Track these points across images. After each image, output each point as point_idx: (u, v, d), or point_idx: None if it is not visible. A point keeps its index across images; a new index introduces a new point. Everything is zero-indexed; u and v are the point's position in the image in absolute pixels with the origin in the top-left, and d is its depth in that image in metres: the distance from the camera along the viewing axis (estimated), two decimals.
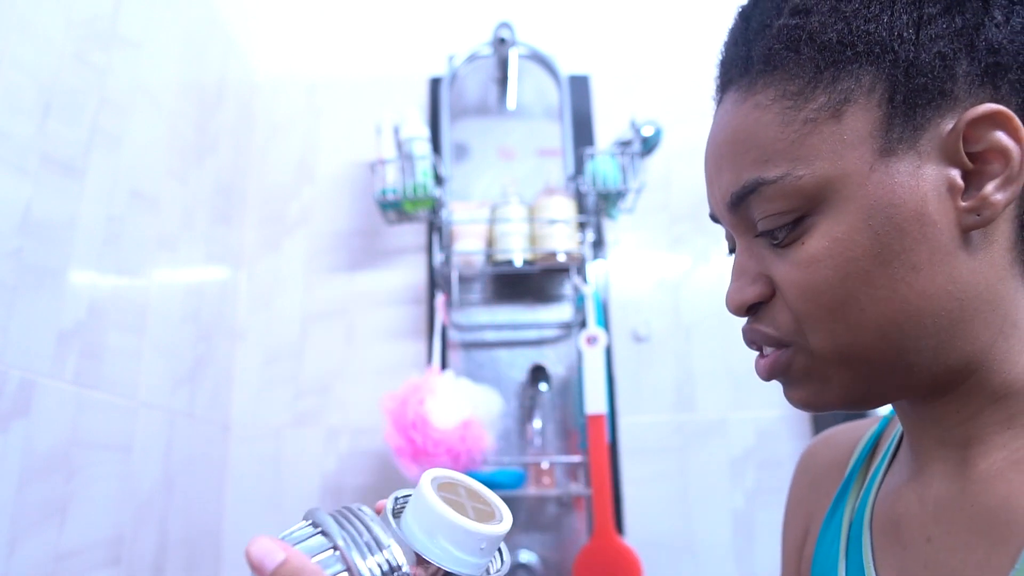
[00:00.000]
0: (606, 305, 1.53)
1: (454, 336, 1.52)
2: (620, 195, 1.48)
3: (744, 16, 0.46)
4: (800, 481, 0.61)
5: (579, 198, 1.51)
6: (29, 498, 0.86)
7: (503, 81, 1.62)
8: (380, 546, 0.36)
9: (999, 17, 0.40)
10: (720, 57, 0.48)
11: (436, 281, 1.49)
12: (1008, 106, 0.39)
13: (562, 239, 1.42)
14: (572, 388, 1.48)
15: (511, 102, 1.63)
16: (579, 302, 1.45)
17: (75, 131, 0.97)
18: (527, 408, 1.46)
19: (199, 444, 1.34)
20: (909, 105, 0.39)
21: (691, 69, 1.65)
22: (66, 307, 0.95)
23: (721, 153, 0.45)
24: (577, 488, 1.39)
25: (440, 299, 1.43)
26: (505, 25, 1.51)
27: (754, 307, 0.45)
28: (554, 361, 1.50)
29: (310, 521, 0.38)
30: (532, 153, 1.63)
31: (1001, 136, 0.39)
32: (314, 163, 1.64)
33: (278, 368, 1.53)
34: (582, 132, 1.61)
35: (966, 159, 0.39)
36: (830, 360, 0.42)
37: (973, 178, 0.40)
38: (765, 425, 1.47)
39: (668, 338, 1.53)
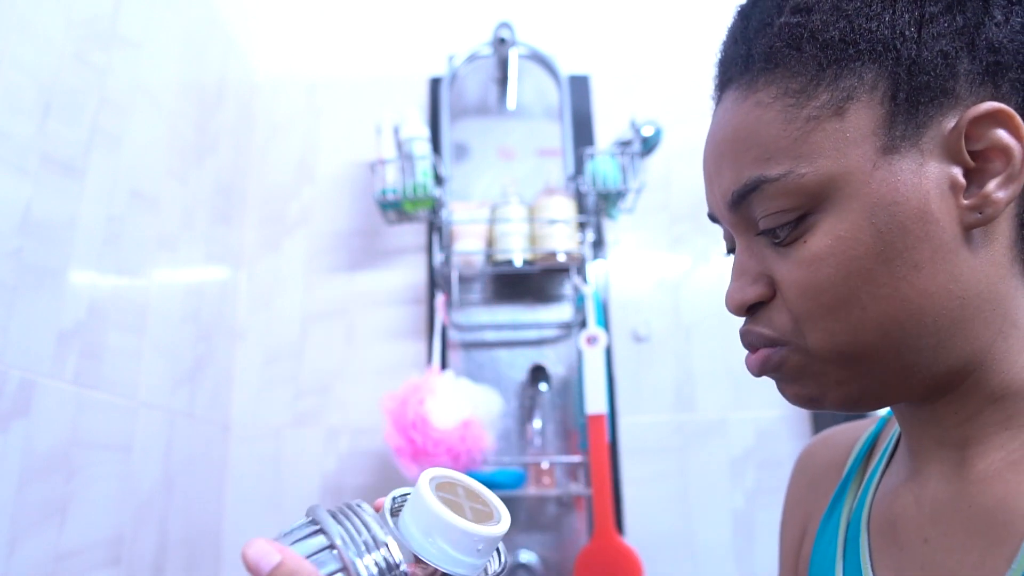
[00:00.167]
0: (606, 305, 1.53)
1: (454, 336, 1.52)
2: (620, 195, 1.48)
3: (744, 15, 0.46)
4: (798, 481, 0.61)
5: (579, 198, 1.51)
6: (29, 498, 0.86)
7: (503, 81, 1.62)
8: (378, 544, 0.36)
9: (999, 17, 0.40)
10: (719, 56, 0.48)
11: (436, 281, 1.49)
12: (1008, 105, 0.39)
13: (562, 239, 1.41)
14: (572, 388, 1.48)
15: (511, 102, 1.63)
16: (579, 302, 1.45)
17: (75, 131, 0.97)
18: (527, 408, 1.46)
19: (199, 444, 1.34)
20: (911, 103, 0.40)
21: (691, 69, 1.65)
22: (66, 307, 0.95)
23: (721, 151, 0.44)
24: (577, 488, 1.39)
25: (440, 299, 1.43)
26: (505, 25, 1.51)
27: (753, 307, 0.45)
28: (554, 361, 1.50)
29: (310, 518, 0.38)
30: (532, 153, 1.63)
31: (1002, 134, 0.39)
32: (314, 163, 1.64)
33: (278, 368, 1.53)
34: (582, 132, 1.61)
35: (968, 157, 0.39)
36: (827, 359, 0.41)
37: (974, 176, 0.40)
38: (765, 425, 1.47)
39: (668, 338, 1.53)
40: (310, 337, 1.54)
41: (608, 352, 1.46)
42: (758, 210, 0.43)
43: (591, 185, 1.45)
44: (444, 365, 1.44)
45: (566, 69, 1.61)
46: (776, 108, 0.42)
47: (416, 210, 1.48)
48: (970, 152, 0.39)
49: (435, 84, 1.66)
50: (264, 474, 1.47)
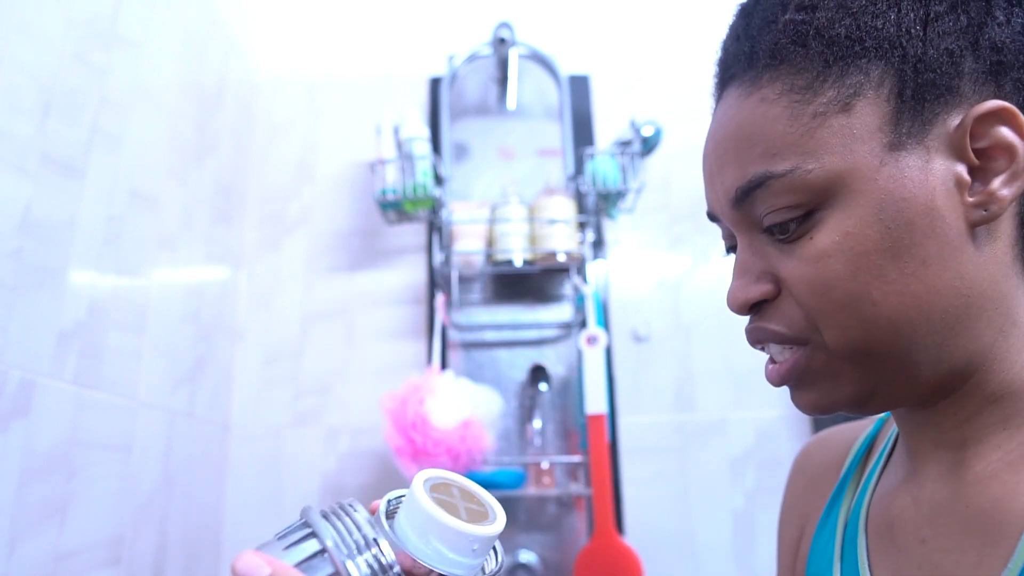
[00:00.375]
0: (606, 305, 1.53)
1: (454, 336, 1.52)
2: (620, 195, 1.48)
3: (746, 12, 0.46)
4: (796, 482, 0.61)
5: (579, 198, 1.51)
6: (29, 498, 0.86)
7: (503, 81, 1.62)
8: (369, 544, 0.36)
9: (1001, 17, 0.40)
10: (719, 54, 0.47)
11: (436, 281, 1.49)
12: (1012, 103, 0.40)
13: (562, 239, 1.42)
14: (572, 388, 1.48)
15: (511, 102, 1.63)
16: (579, 302, 1.45)
17: (75, 131, 0.97)
18: (527, 408, 1.46)
19: (199, 444, 1.34)
20: (918, 100, 0.40)
21: (691, 69, 1.65)
22: (66, 307, 0.95)
23: (725, 148, 0.44)
24: (577, 488, 1.39)
25: (440, 299, 1.43)
26: (505, 25, 1.51)
27: (756, 306, 0.45)
28: (554, 361, 1.50)
29: (303, 520, 0.38)
30: (532, 153, 1.63)
31: (1006, 132, 0.39)
32: (314, 163, 1.64)
33: (278, 368, 1.53)
34: (582, 132, 1.61)
35: (972, 155, 0.40)
36: (844, 357, 0.41)
37: (979, 174, 0.40)
38: (765, 425, 1.47)
39: (668, 338, 1.53)
40: (310, 337, 1.54)
41: (608, 352, 1.46)
42: (762, 207, 0.42)
43: (591, 185, 1.45)
44: (444, 365, 1.44)
45: (566, 69, 1.61)
46: (782, 104, 0.41)
47: (416, 210, 1.48)
48: (974, 150, 0.40)
49: (435, 84, 1.66)
50: (264, 474, 1.47)
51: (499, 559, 0.42)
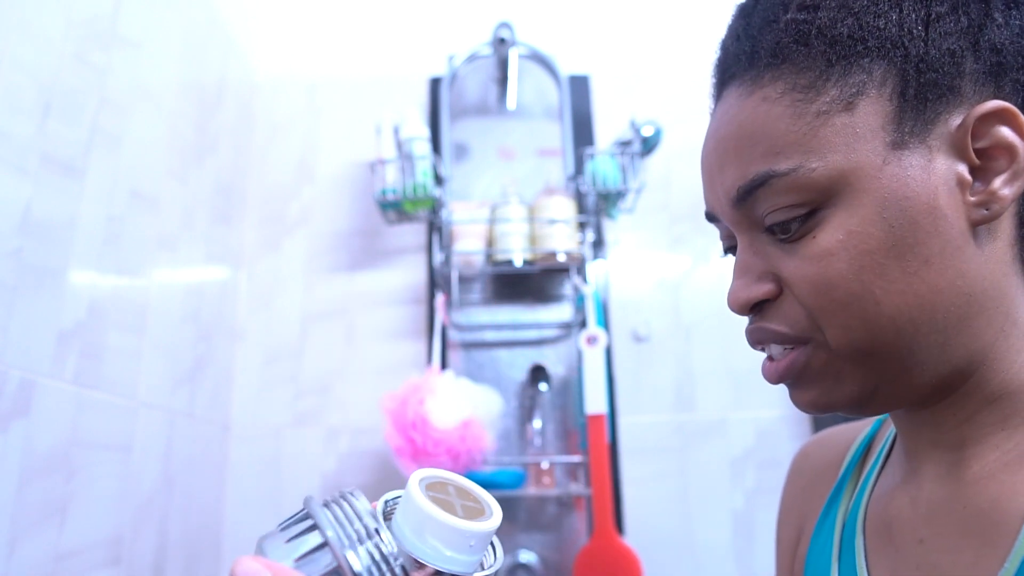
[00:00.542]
0: (606, 305, 1.53)
1: (454, 336, 1.52)
2: (620, 195, 1.48)
3: (745, 12, 0.46)
4: (794, 482, 0.61)
5: (579, 198, 1.51)
6: (29, 498, 0.86)
7: (503, 81, 1.62)
8: (370, 535, 0.36)
9: (1000, 19, 0.41)
10: (718, 54, 0.47)
11: (436, 281, 1.49)
12: (1011, 104, 0.40)
13: (562, 239, 1.42)
14: (572, 388, 1.48)
15: (511, 102, 1.63)
16: (579, 302, 1.45)
17: (75, 131, 0.97)
18: (527, 408, 1.46)
19: (199, 444, 1.34)
20: (920, 99, 0.40)
21: (691, 69, 1.65)
22: (66, 307, 0.95)
23: (726, 148, 0.44)
24: (577, 488, 1.39)
25: (440, 299, 1.43)
26: (505, 25, 1.51)
27: (757, 306, 0.45)
28: (554, 361, 1.50)
29: (305, 511, 0.38)
30: (532, 153, 1.63)
31: (1007, 132, 0.40)
32: (314, 163, 1.65)
33: (278, 368, 1.53)
34: (582, 132, 1.61)
35: (973, 155, 0.40)
36: (846, 356, 0.41)
37: (980, 173, 0.40)
38: (765, 425, 1.47)
39: (668, 338, 1.53)
40: (310, 337, 1.54)
41: (608, 352, 1.46)
42: (764, 206, 0.42)
43: (591, 185, 1.45)
44: (444, 365, 1.44)
45: (566, 69, 1.61)
46: (784, 103, 0.41)
47: (416, 210, 1.48)
48: (975, 150, 0.40)
49: (435, 84, 1.66)
50: (264, 474, 1.47)
51: (497, 555, 0.42)
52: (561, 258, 1.42)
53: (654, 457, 1.46)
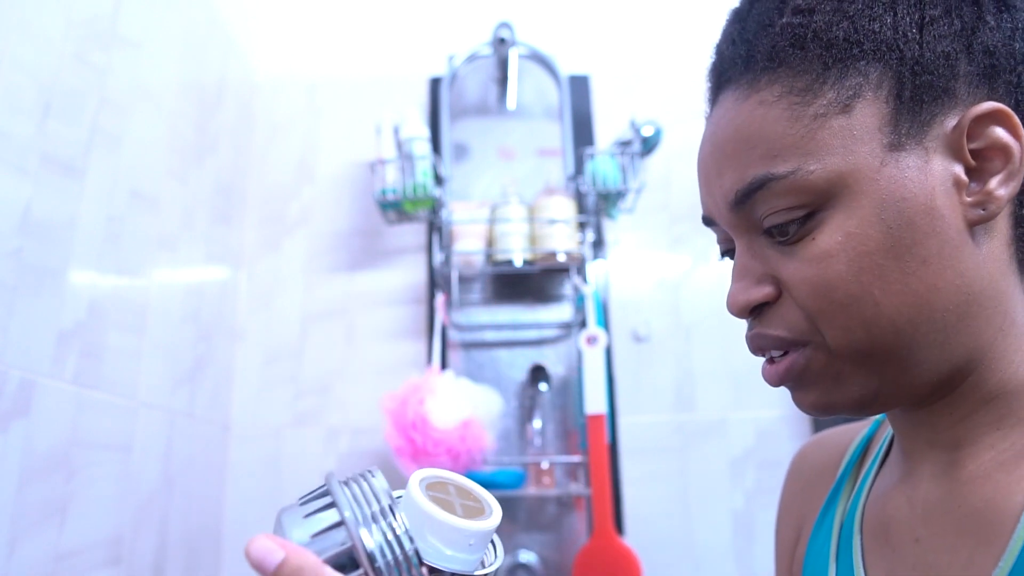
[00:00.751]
0: (606, 305, 1.53)
1: (454, 336, 1.52)
2: (620, 195, 1.48)
3: (740, 16, 0.46)
4: (792, 483, 0.61)
5: (579, 198, 1.51)
6: (29, 498, 0.86)
7: (503, 81, 1.62)
8: (385, 514, 0.37)
9: (992, 22, 0.41)
10: (713, 58, 0.48)
11: (436, 281, 1.49)
12: (1005, 105, 0.40)
13: (562, 239, 1.42)
14: (572, 388, 1.48)
15: (511, 102, 1.63)
16: (579, 302, 1.45)
17: (75, 131, 0.97)
18: (527, 408, 1.46)
19: (199, 444, 1.34)
20: (916, 101, 0.40)
21: (691, 69, 1.65)
22: (66, 307, 0.95)
23: (723, 151, 0.44)
24: (577, 488, 1.39)
25: (440, 299, 1.43)
26: (505, 25, 1.51)
27: (756, 310, 0.45)
28: (554, 361, 1.50)
29: (325, 487, 0.39)
30: (532, 153, 1.63)
31: (1002, 133, 0.40)
32: (314, 163, 1.65)
33: (278, 368, 1.53)
34: (582, 132, 1.61)
35: (969, 156, 0.40)
36: (846, 358, 0.41)
37: (975, 174, 0.41)
38: (765, 425, 1.47)
39: (668, 338, 1.53)
40: (310, 337, 1.54)
41: (608, 352, 1.46)
42: (762, 209, 0.42)
43: (591, 185, 1.45)
44: (444, 365, 1.44)
45: (566, 69, 1.61)
46: (781, 106, 0.42)
47: (416, 210, 1.48)
48: (971, 150, 0.40)
49: (435, 84, 1.66)
50: (264, 474, 1.47)
51: (498, 554, 0.43)
52: (561, 258, 1.42)
53: (654, 457, 1.46)
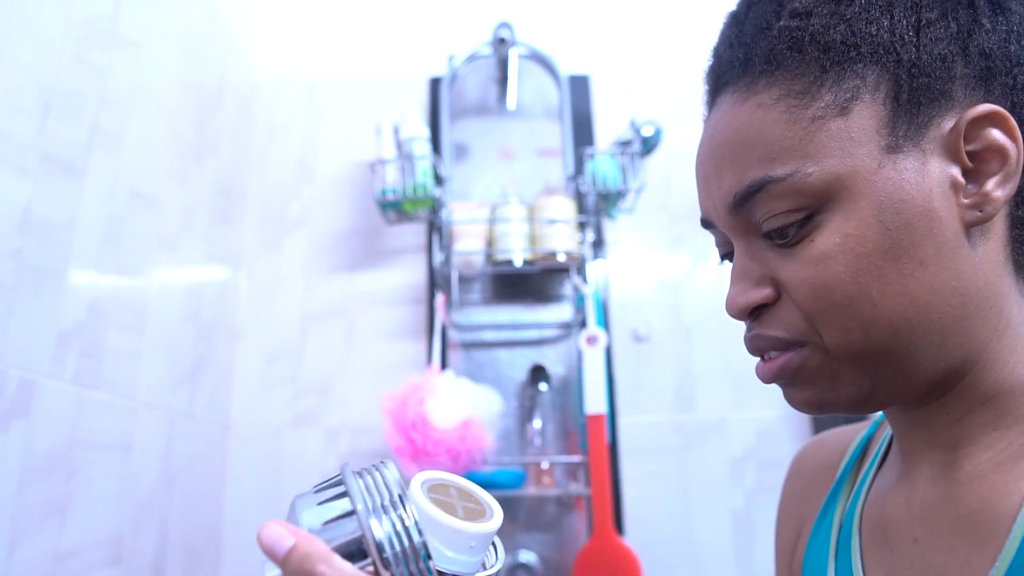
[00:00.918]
0: (606, 305, 1.53)
1: (454, 336, 1.52)
2: (620, 195, 1.48)
3: (737, 20, 0.46)
4: (792, 484, 0.61)
5: (579, 198, 1.51)
6: (29, 498, 0.86)
7: (503, 81, 1.62)
8: (395, 506, 0.37)
9: (987, 24, 0.41)
10: (711, 61, 0.48)
11: (436, 281, 1.49)
12: (1001, 107, 0.41)
13: (562, 239, 1.42)
14: (572, 388, 1.48)
15: (511, 102, 1.63)
16: (579, 302, 1.45)
17: (75, 131, 0.97)
18: (527, 408, 1.46)
19: (199, 444, 1.34)
20: (913, 103, 0.40)
21: (691, 69, 1.64)
22: (66, 307, 0.95)
23: (722, 154, 0.44)
24: (577, 488, 1.39)
25: (440, 299, 1.43)
26: (505, 25, 1.51)
27: (755, 311, 0.45)
28: (554, 361, 1.50)
29: (339, 476, 0.39)
30: (532, 153, 1.63)
31: (998, 135, 0.40)
32: (314, 163, 1.65)
33: (278, 368, 1.53)
34: (582, 132, 1.61)
35: (966, 157, 0.40)
36: (843, 359, 0.42)
37: (972, 176, 0.41)
38: (765, 425, 1.47)
39: (668, 338, 1.53)
40: (310, 337, 1.54)
41: (608, 352, 1.46)
42: (761, 211, 0.43)
43: (591, 185, 1.45)
44: (444, 365, 1.44)
45: (566, 69, 1.61)
46: (779, 109, 0.42)
47: (416, 210, 1.48)
48: (967, 152, 0.41)
49: (435, 84, 1.66)
50: (264, 474, 1.47)
51: (499, 556, 0.43)
52: (561, 258, 1.42)
53: (654, 457, 1.46)
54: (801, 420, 1.48)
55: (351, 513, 0.37)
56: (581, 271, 1.45)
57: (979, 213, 0.40)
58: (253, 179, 1.63)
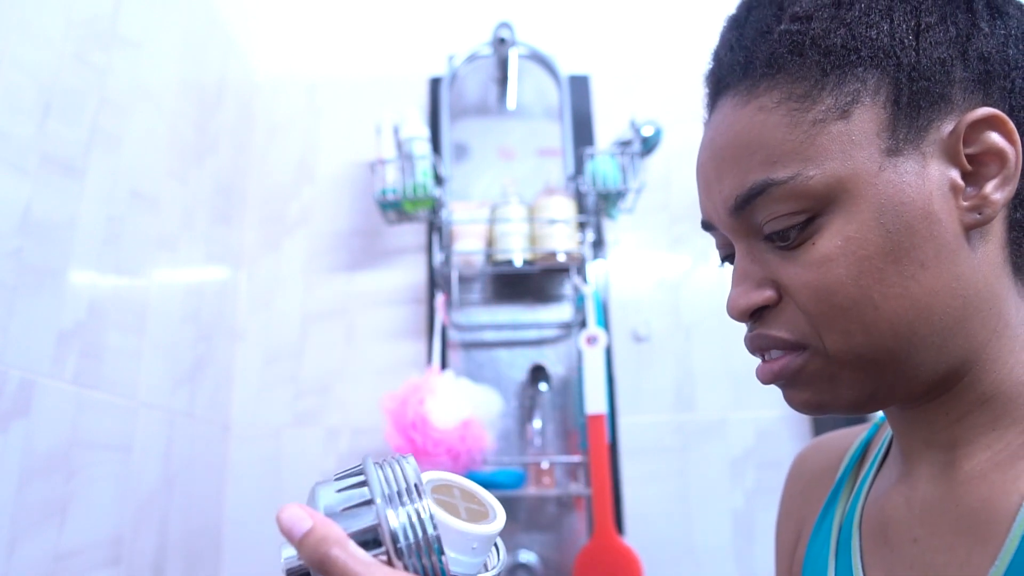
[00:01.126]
0: (606, 305, 1.53)
1: (454, 336, 1.52)
2: (620, 195, 1.48)
3: (737, 23, 0.46)
4: (792, 486, 0.62)
5: (579, 198, 1.51)
6: (29, 498, 0.86)
7: (503, 81, 1.62)
8: (412, 499, 0.38)
9: (986, 28, 0.42)
10: (711, 65, 0.48)
11: (436, 281, 1.49)
12: (1000, 110, 0.41)
13: (562, 239, 1.42)
14: (572, 388, 1.48)
15: (511, 102, 1.63)
16: (579, 302, 1.45)
17: (75, 131, 0.97)
18: (527, 408, 1.46)
19: (199, 444, 1.34)
20: (913, 107, 0.41)
21: (691, 69, 1.64)
22: (66, 307, 0.95)
23: (723, 157, 0.45)
24: (577, 488, 1.39)
25: (440, 299, 1.43)
26: (505, 25, 1.51)
27: (756, 313, 0.45)
28: (554, 361, 1.50)
29: (360, 467, 0.40)
30: (532, 153, 1.63)
31: (997, 138, 0.40)
32: (314, 163, 1.65)
33: (278, 368, 1.53)
34: (582, 132, 1.61)
35: (965, 160, 0.41)
36: (844, 362, 0.42)
37: (971, 179, 0.41)
38: (765, 425, 1.47)
39: (668, 338, 1.53)
40: (310, 337, 1.54)
41: (608, 352, 1.46)
42: (762, 214, 0.43)
43: (591, 185, 1.45)
44: (444, 365, 1.44)
45: (566, 69, 1.61)
46: (780, 112, 0.42)
47: (416, 210, 1.48)
48: (967, 155, 0.41)
49: (435, 84, 1.66)
50: (264, 474, 1.47)
51: (500, 557, 0.43)
52: (561, 258, 1.42)
53: (654, 457, 1.46)
54: (801, 420, 1.48)
55: (369, 502, 0.38)
56: (581, 271, 1.45)
57: (978, 216, 0.41)
58: (253, 179, 1.63)
